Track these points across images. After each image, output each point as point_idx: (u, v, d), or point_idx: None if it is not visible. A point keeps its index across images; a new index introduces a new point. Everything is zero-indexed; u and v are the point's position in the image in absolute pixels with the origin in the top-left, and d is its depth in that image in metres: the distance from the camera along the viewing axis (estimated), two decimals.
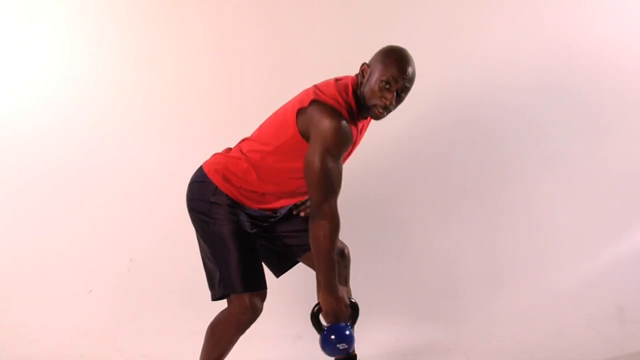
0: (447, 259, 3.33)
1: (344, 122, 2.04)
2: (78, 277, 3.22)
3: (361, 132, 2.23)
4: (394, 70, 2.06)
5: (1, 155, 3.27)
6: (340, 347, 2.14)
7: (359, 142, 2.25)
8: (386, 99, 2.07)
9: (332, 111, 2.04)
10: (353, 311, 2.21)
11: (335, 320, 2.16)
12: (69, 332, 3.02)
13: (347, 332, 2.15)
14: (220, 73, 3.28)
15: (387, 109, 2.10)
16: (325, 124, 2.02)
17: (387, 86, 2.06)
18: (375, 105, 2.09)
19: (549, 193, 3.36)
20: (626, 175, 3.35)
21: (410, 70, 2.08)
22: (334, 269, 2.10)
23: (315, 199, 2.06)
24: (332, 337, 2.14)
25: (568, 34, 3.30)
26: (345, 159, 2.18)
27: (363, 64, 2.14)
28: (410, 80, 2.09)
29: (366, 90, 2.10)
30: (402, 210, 3.34)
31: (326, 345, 2.15)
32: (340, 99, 2.08)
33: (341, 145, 2.05)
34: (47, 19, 3.25)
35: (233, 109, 3.26)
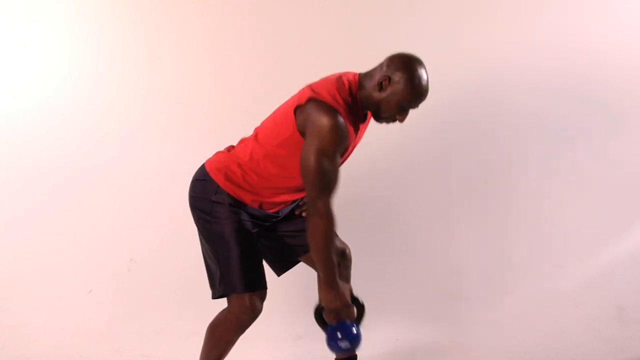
0: (448, 259, 3.33)
1: (340, 120, 2.03)
2: (78, 277, 3.22)
3: (360, 132, 2.23)
4: (415, 101, 2.10)
5: (1, 155, 3.26)
6: (343, 346, 2.14)
7: (359, 141, 2.25)
8: (400, 120, 2.13)
9: (329, 109, 2.03)
10: (359, 309, 2.21)
11: (337, 317, 2.15)
12: (69, 332, 3.01)
13: (353, 330, 2.15)
14: (220, 73, 3.28)
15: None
16: (321, 121, 2.02)
17: (404, 111, 2.11)
18: (386, 119, 2.14)
19: (549, 194, 3.36)
20: (626, 175, 3.36)
21: (427, 94, 2.12)
22: (332, 266, 2.09)
23: (311, 197, 2.06)
24: (338, 334, 2.14)
25: (572, 34, 3.30)
26: (344, 158, 2.18)
27: (384, 77, 2.08)
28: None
29: (383, 105, 2.10)
30: (402, 211, 3.34)
31: (331, 342, 2.15)
32: (338, 97, 2.07)
33: (337, 143, 2.04)
34: (47, 19, 3.25)
35: (233, 109, 3.26)
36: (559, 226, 3.35)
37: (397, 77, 2.08)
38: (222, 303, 2.21)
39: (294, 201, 2.33)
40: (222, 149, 2.34)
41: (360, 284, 2.46)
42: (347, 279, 2.40)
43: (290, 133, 2.11)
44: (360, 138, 2.26)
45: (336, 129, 2.02)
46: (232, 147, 2.32)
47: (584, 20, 3.31)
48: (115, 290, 3.21)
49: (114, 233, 3.25)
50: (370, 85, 2.11)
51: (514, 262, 3.32)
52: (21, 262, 3.22)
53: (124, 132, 3.28)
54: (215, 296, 2.21)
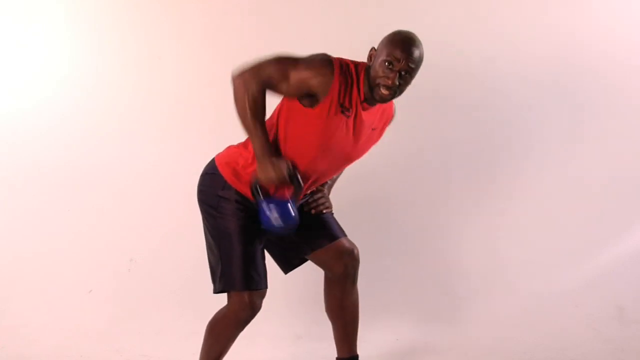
0: (447, 259, 3.33)
1: (329, 64, 2.06)
2: (78, 277, 3.22)
3: (367, 117, 2.17)
4: (397, 51, 2.03)
5: (1, 155, 3.26)
6: (274, 221, 2.09)
7: (364, 132, 2.19)
8: (388, 78, 2.03)
9: (322, 55, 2.10)
10: (295, 186, 2.14)
11: (274, 191, 2.12)
12: (69, 332, 3.01)
13: (288, 207, 2.11)
14: (221, 73, 3.26)
15: (390, 89, 2.05)
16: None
17: (390, 66, 2.04)
18: (378, 85, 2.06)
19: (549, 193, 3.36)
20: (626, 175, 3.36)
21: (415, 51, 2.05)
22: (257, 134, 2.08)
23: (241, 69, 2.08)
24: (266, 207, 2.10)
25: (570, 33, 3.29)
26: (355, 138, 2.16)
27: (371, 49, 2.13)
28: (415, 61, 2.06)
29: (372, 72, 2.08)
30: (402, 211, 3.34)
31: (263, 217, 2.12)
32: (342, 60, 2.10)
33: (305, 60, 2.09)
34: (47, 19, 3.25)
35: (233, 109, 3.25)
36: (559, 226, 3.35)
37: (381, 42, 2.11)
38: (223, 301, 2.21)
39: (303, 196, 2.31)
40: (221, 149, 2.33)
41: (360, 284, 2.46)
42: (353, 280, 2.40)
43: (284, 102, 2.13)
44: (369, 127, 2.22)
45: (316, 55, 2.08)
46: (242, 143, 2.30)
47: (584, 20, 3.31)
48: (115, 290, 3.20)
49: (114, 233, 3.25)
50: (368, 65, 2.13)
51: (514, 262, 3.32)
52: (21, 262, 3.22)
53: (124, 132, 3.28)
54: (216, 291, 2.21)
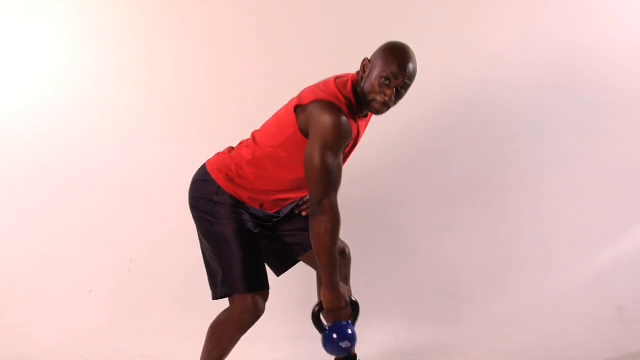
0: (447, 259, 3.33)
1: (343, 118, 2.03)
2: (78, 277, 3.22)
3: (362, 130, 2.23)
4: (394, 67, 2.05)
5: (1, 155, 3.27)
6: (344, 346, 2.13)
7: (360, 140, 2.25)
8: (385, 95, 2.05)
9: (332, 107, 2.04)
10: (354, 309, 2.21)
11: (337, 319, 2.15)
12: (69, 332, 3.01)
13: (350, 331, 2.15)
14: (221, 73, 3.28)
15: (386, 105, 2.09)
16: (324, 119, 2.02)
17: (387, 82, 2.05)
18: (374, 100, 2.08)
19: (549, 193, 3.36)
20: (626, 175, 3.36)
21: (411, 67, 2.07)
22: (335, 266, 2.08)
23: (315, 195, 2.05)
24: (335, 336, 2.13)
25: (570, 33, 3.30)
26: (346, 157, 2.18)
27: (365, 59, 2.14)
28: (411, 77, 2.08)
29: (366, 85, 2.09)
30: (402, 211, 3.34)
31: (329, 344, 2.15)
32: (340, 95, 2.07)
33: (341, 140, 2.04)
34: (47, 19, 3.25)
35: (233, 109, 3.26)
36: (559, 226, 3.35)
37: (375, 54, 2.11)
38: (223, 302, 2.21)
39: (294, 201, 2.33)
40: (221, 149, 2.34)
41: (360, 284, 2.47)
42: (346, 279, 2.40)
43: (291, 133, 2.11)
44: (361, 137, 2.26)
45: (339, 126, 2.01)
46: (232, 148, 2.32)
47: (582, 20, 3.31)
48: (115, 290, 3.21)
49: (114, 233, 3.25)
50: (361, 76, 2.13)
51: (514, 262, 3.32)
52: (21, 262, 3.22)
53: (124, 132, 3.28)
54: (217, 297, 2.21)
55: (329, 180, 2.03)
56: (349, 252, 2.42)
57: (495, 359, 2.83)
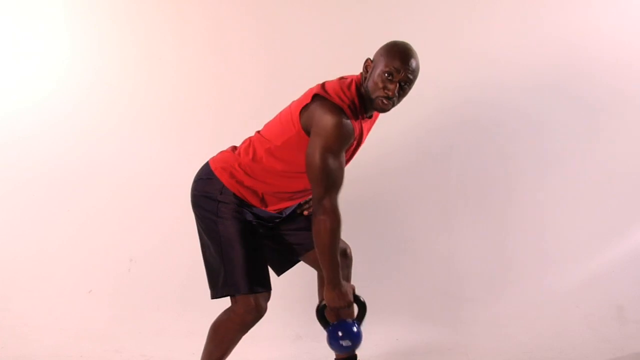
0: (447, 259, 3.33)
1: (345, 118, 2.04)
2: (78, 277, 3.22)
3: (366, 131, 2.23)
4: (396, 62, 2.05)
5: (1, 155, 3.26)
6: (344, 345, 2.14)
7: (364, 141, 2.25)
8: (389, 90, 2.06)
9: (334, 107, 2.04)
10: (360, 308, 2.21)
11: (339, 316, 2.16)
12: (69, 332, 3.02)
13: (354, 329, 2.15)
14: (221, 73, 3.28)
15: (391, 100, 2.08)
16: (326, 119, 2.02)
17: (389, 77, 2.06)
18: (378, 97, 2.08)
19: (549, 193, 3.36)
20: (626, 175, 3.35)
21: (413, 62, 2.07)
22: (337, 264, 2.09)
23: (317, 195, 2.06)
24: (336, 333, 2.14)
25: (573, 33, 3.29)
26: (349, 157, 2.19)
27: (367, 60, 2.14)
28: (413, 72, 2.08)
29: (370, 84, 2.10)
30: (403, 211, 3.34)
31: (330, 341, 2.16)
32: (343, 96, 2.08)
33: (342, 141, 2.05)
34: (47, 19, 3.25)
35: (233, 109, 3.26)
36: (559, 226, 3.35)
37: (377, 53, 2.12)
38: (223, 302, 2.21)
39: (298, 199, 2.32)
40: (222, 149, 2.33)
41: (360, 284, 2.46)
42: (347, 279, 2.41)
43: (295, 132, 2.11)
44: (365, 138, 2.26)
45: (341, 126, 2.02)
46: (235, 147, 2.31)
47: (582, 21, 3.31)
48: (115, 290, 3.21)
49: (114, 233, 3.25)
50: (364, 77, 2.14)
51: (514, 262, 3.32)
52: (21, 262, 3.22)
53: (124, 132, 3.27)
54: (217, 296, 2.20)
55: (330, 181, 2.04)
56: (350, 253, 2.42)
57: (495, 359, 2.83)
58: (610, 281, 3.28)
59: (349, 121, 2.05)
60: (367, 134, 2.25)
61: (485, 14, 3.29)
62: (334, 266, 2.09)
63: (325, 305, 2.17)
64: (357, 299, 2.21)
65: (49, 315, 3.10)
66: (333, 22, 3.26)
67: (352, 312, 2.20)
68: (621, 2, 3.33)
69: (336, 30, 3.24)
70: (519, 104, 3.32)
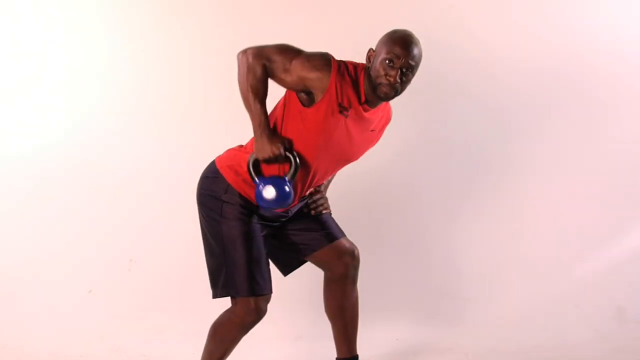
0: (447, 259, 3.33)
1: (330, 57, 2.10)
2: (78, 277, 3.21)
3: (369, 122, 2.19)
4: (397, 49, 2.04)
5: (1, 155, 3.26)
6: (267, 197, 2.08)
7: (378, 133, 2.23)
8: (390, 76, 2.04)
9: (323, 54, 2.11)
10: (290, 165, 2.12)
11: (266, 162, 2.12)
12: (69, 332, 3.02)
13: (280, 183, 2.09)
14: (220, 73, 3.26)
15: (393, 87, 2.05)
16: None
17: (390, 64, 2.04)
18: (380, 84, 2.06)
19: (549, 193, 3.36)
20: (626, 175, 3.35)
21: (414, 48, 2.06)
22: (257, 111, 2.11)
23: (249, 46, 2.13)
24: (262, 185, 2.09)
25: (574, 33, 3.29)
26: (360, 143, 2.19)
27: (369, 50, 2.14)
28: (415, 58, 2.06)
29: (372, 72, 2.08)
30: (402, 211, 3.34)
31: (257, 197, 2.10)
32: (346, 62, 2.11)
33: (313, 59, 2.10)
34: (47, 19, 3.25)
35: (233, 109, 3.22)
36: (559, 226, 3.35)
37: (379, 42, 2.13)
38: (223, 302, 2.21)
39: (302, 198, 2.31)
40: (223, 148, 2.33)
41: (360, 284, 2.47)
42: (353, 280, 2.41)
43: (286, 96, 2.15)
44: (378, 129, 2.24)
45: (320, 53, 2.11)
46: (242, 145, 2.29)
47: (584, 19, 3.31)
48: (115, 290, 3.20)
49: (114, 233, 3.25)
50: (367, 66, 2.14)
51: (514, 262, 3.32)
52: (21, 262, 3.22)
53: (124, 132, 3.27)
54: (217, 296, 2.20)
55: (270, 47, 2.12)
56: (358, 254, 2.41)
57: (495, 359, 2.83)
58: (610, 281, 3.28)
59: (329, 65, 2.07)
60: (368, 128, 2.20)
61: (486, 12, 3.29)
62: (254, 113, 2.12)
63: (257, 159, 2.12)
64: (289, 154, 2.11)
65: (49, 315, 3.10)
66: (333, 21, 3.25)
67: (283, 166, 2.14)
68: (622, 1, 3.34)
69: (336, 28, 3.23)
70: (520, 103, 3.32)
